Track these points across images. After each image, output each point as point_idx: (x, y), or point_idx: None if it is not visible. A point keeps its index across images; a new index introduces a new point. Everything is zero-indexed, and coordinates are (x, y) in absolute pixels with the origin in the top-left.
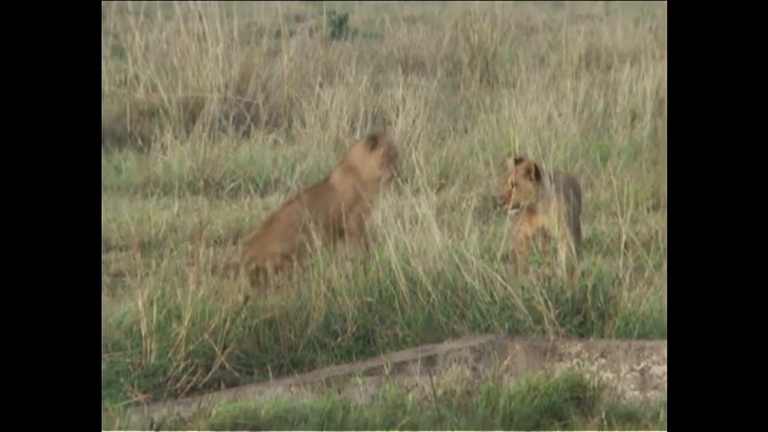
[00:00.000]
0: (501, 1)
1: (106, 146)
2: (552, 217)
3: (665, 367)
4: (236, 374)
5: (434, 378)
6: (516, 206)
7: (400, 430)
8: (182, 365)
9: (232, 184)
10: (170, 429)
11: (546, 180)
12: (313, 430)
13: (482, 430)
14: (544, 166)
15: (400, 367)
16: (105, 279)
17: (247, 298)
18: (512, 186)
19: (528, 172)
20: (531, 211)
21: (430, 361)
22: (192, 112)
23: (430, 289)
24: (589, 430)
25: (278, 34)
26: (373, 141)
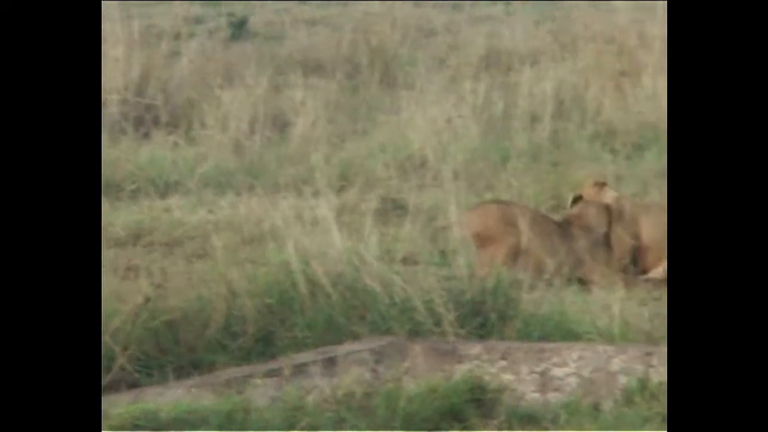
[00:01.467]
0: (401, 1)
1: None
2: None
3: (566, 369)
4: (136, 375)
5: (334, 380)
6: None
7: (301, 431)
8: None
9: (132, 186)
10: None
11: None
12: (213, 431)
13: (382, 431)
14: None
15: (300, 369)
16: None
17: (147, 300)
18: None
19: None
20: None
21: (330, 363)
22: None
23: (330, 290)
24: (489, 431)
25: (178, 36)
26: None
